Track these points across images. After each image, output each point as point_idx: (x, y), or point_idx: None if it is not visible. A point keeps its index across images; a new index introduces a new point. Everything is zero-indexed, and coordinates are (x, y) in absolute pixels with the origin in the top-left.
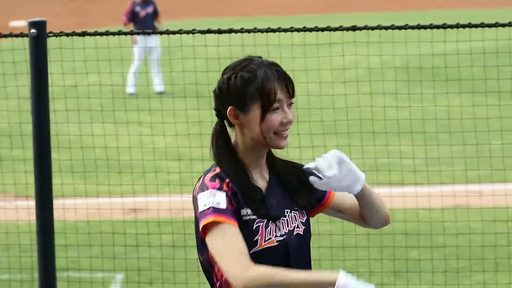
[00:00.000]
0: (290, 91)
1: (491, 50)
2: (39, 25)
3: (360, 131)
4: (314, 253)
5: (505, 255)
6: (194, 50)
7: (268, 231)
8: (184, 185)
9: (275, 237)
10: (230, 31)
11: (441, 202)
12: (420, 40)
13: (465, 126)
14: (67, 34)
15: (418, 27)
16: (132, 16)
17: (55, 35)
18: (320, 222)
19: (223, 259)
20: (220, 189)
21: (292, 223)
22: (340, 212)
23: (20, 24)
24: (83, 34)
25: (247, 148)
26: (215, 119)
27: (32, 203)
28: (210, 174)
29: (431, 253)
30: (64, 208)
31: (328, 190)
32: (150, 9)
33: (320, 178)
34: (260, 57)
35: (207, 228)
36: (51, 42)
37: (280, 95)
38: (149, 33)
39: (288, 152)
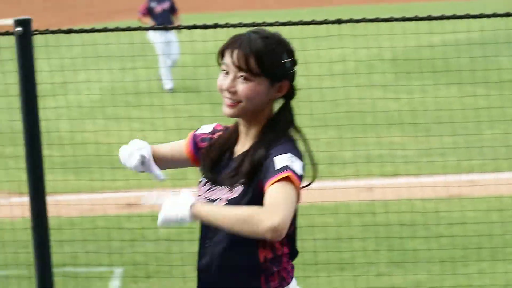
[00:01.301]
0: (235, 61)
1: (477, 41)
2: (25, 23)
3: (351, 123)
4: (309, 245)
5: (500, 244)
6: (182, 45)
7: (204, 189)
8: (177, 179)
9: (204, 198)
10: (215, 26)
11: (434, 192)
12: (406, 32)
13: (455, 116)
14: (53, 32)
15: (403, 19)
16: (148, 12)
17: (41, 32)
18: (315, 214)
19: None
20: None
21: (218, 196)
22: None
23: (6, 22)
24: (69, 31)
25: None
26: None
27: (25, 199)
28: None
29: (427, 243)
30: (58, 204)
31: None
32: (166, 5)
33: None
34: (276, 33)
35: None
36: (38, 39)
37: (227, 59)
38: (134, 30)
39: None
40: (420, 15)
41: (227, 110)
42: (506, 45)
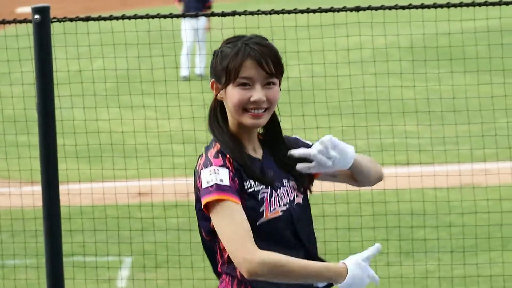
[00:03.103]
0: (267, 69)
1: (495, 28)
2: (43, 11)
3: (365, 111)
4: (320, 235)
5: (511, 234)
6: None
7: (272, 201)
8: (190, 168)
9: (279, 207)
10: (233, 13)
11: (447, 181)
12: (424, 19)
13: (470, 105)
14: (71, 19)
15: (422, 6)
16: None
17: (59, 20)
18: (326, 204)
19: (229, 242)
20: (223, 166)
21: (292, 193)
22: (333, 176)
23: (25, 10)
24: (87, 19)
25: (235, 123)
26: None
27: (37, 188)
28: (213, 151)
29: (437, 232)
30: (69, 193)
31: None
32: None
33: (311, 161)
34: (256, 35)
35: (210, 206)
36: (55, 27)
37: (250, 73)
38: (145, 17)
39: (292, 133)
40: (439, 3)
41: (256, 121)
42: None
